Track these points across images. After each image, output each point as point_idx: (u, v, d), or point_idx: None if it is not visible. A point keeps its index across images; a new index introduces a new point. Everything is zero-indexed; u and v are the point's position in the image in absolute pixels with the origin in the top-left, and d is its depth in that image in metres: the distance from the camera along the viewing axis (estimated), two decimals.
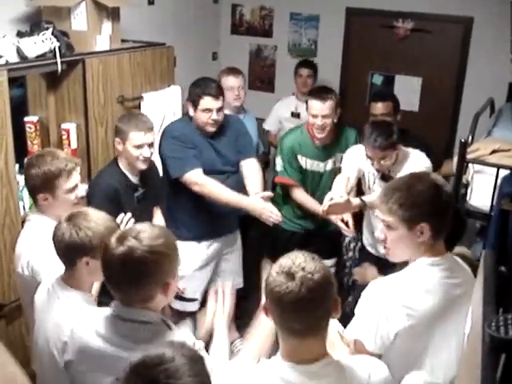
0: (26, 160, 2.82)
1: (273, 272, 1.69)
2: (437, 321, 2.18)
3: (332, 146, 3.98)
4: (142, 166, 3.41)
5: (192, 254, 3.83)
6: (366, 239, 3.94)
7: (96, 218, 2.28)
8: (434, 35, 5.24)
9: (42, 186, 2.63)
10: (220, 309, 2.31)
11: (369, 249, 3.93)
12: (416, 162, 3.47)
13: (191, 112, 3.67)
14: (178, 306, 3.90)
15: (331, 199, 3.26)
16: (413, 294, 2.15)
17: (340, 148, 3.98)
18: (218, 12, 6.03)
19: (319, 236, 4.10)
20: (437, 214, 2.16)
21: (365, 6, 5.37)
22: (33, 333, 2.44)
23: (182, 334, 2.02)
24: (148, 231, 1.94)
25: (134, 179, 3.48)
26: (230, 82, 4.46)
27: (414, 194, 2.17)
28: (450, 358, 2.16)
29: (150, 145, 3.40)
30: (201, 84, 3.65)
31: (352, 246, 4.48)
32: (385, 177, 3.52)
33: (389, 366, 1.87)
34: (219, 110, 3.64)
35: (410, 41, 5.34)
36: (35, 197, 2.67)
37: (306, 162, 4.02)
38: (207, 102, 3.59)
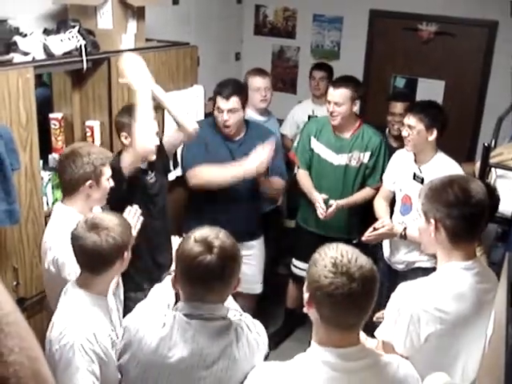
0: (76, 147, 2.95)
1: (326, 272, 1.68)
2: (468, 326, 2.18)
3: (350, 140, 4.00)
4: (153, 157, 3.30)
5: None
6: (386, 251, 3.87)
7: (112, 219, 2.37)
8: (457, 39, 5.22)
9: (92, 173, 2.81)
10: None
11: (388, 262, 3.83)
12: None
13: (214, 110, 3.77)
14: None
15: (374, 229, 3.44)
16: (445, 297, 2.16)
17: (360, 146, 3.99)
18: (241, 12, 6.05)
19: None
20: (456, 218, 2.16)
21: (388, 8, 5.35)
22: None
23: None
24: (220, 231, 2.05)
25: (142, 165, 3.34)
26: (257, 82, 4.46)
27: (440, 191, 2.19)
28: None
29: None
30: (220, 83, 3.72)
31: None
32: (416, 177, 3.50)
33: (415, 369, 1.89)
34: (229, 111, 3.66)
35: (434, 44, 5.31)
36: (80, 186, 2.82)
37: (320, 148, 4.05)
38: (218, 101, 3.66)
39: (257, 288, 4.19)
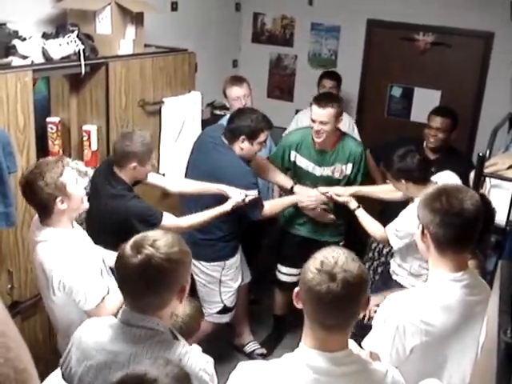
0: (27, 175, 2.63)
1: (312, 268, 1.70)
2: (454, 338, 2.18)
3: (331, 154, 4.01)
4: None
5: (237, 269, 3.97)
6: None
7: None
8: (454, 49, 5.26)
9: (55, 190, 2.56)
10: None
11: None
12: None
13: (243, 145, 3.64)
14: (217, 319, 4.00)
15: None
16: (432, 310, 2.15)
17: (341, 159, 3.99)
18: (239, 20, 6.09)
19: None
20: (438, 225, 2.14)
21: (386, 18, 5.39)
22: None
23: (190, 348, 2.00)
24: (163, 239, 1.94)
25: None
26: (235, 92, 4.35)
27: (430, 198, 2.19)
28: (467, 373, 2.14)
29: None
30: (259, 118, 3.67)
31: (367, 264, 4.41)
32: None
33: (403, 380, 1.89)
34: None
35: (430, 54, 5.35)
36: (52, 207, 2.59)
37: (302, 161, 4.08)
38: (266, 134, 3.68)
39: (247, 276, 4.24)
